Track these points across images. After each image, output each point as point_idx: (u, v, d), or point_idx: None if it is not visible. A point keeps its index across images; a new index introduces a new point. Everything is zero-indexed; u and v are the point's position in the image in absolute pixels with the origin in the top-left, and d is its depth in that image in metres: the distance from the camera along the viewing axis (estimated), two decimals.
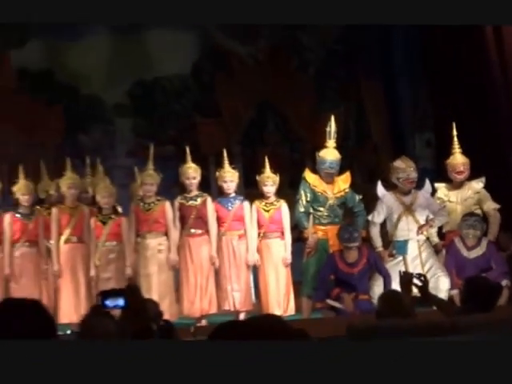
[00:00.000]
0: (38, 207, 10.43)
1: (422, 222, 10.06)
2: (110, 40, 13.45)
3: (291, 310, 10.12)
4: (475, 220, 9.87)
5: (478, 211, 10.11)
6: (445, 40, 12.66)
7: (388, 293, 7.54)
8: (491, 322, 5.84)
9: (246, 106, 13.65)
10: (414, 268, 9.89)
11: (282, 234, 10.33)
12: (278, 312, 9.57)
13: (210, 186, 10.99)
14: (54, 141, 13.18)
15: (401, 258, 10.01)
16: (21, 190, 10.29)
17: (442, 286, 9.53)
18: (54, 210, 10.22)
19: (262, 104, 13.69)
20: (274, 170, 10.45)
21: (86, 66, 13.45)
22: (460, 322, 5.73)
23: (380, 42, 13.88)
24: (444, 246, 10.16)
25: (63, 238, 10.18)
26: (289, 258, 10.31)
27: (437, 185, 10.43)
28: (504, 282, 9.50)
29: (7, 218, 10.19)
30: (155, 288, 9.85)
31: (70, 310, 9.71)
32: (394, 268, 9.76)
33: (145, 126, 13.35)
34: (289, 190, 10.66)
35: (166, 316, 6.67)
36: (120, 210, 10.49)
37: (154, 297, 8.60)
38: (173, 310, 9.68)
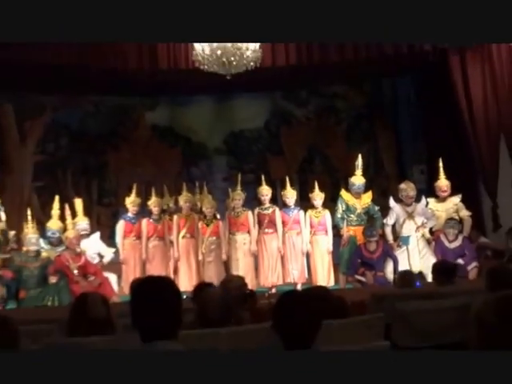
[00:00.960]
0: (163, 215, 10.50)
1: (419, 224, 9.97)
2: (211, 106, 13.53)
3: (331, 283, 10.05)
4: (454, 223, 9.77)
5: (456, 217, 9.99)
6: (431, 101, 12.61)
7: (402, 272, 7.69)
8: (464, 290, 5.79)
9: (301, 148, 13.64)
10: (414, 255, 9.89)
11: (326, 232, 10.31)
12: (322, 284, 9.55)
13: (277, 200, 10.94)
14: (174, 171, 13.27)
15: (405, 248, 9.91)
16: (153, 203, 10.37)
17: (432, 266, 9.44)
18: (176, 217, 10.31)
19: (310, 147, 13.66)
20: (320, 190, 10.45)
21: (195, 123, 13.56)
22: (442, 291, 5.69)
23: (389, 105, 13.80)
24: (433, 239, 10.00)
25: (181, 235, 10.24)
26: (330, 248, 10.32)
27: (429, 199, 10.29)
28: (473, 264, 9.53)
29: (144, 222, 10.30)
30: (241, 268, 9.92)
31: (185, 282, 9.75)
32: (401, 255, 9.83)
33: (234, 161, 13.38)
34: (330, 203, 10.58)
35: (249, 286, 6.66)
36: (218, 216, 10.51)
37: (241, 274, 8.67)
38: (253, 282, 9.69)
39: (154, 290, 2.95)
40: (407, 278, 6.87)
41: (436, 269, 6.49)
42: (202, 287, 5.71)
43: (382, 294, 6.10)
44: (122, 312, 3.81)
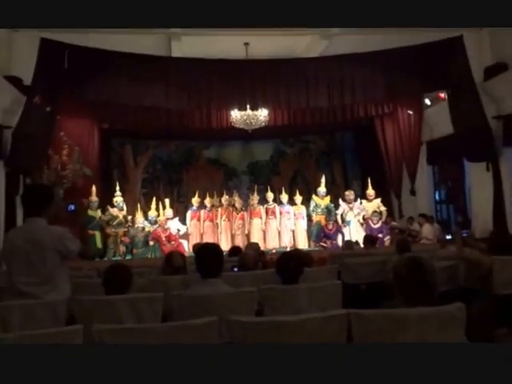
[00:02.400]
0: (213, 208, 10.41)
1: (356, 214, 9.91)
2: (240, 147, 13.30)
3: (306, 246, 9.94)
4: (377, 213, 9.71)
5: (378, 210, 9.89)
6: (363, 145, 12.49)
7: (346, 241, 7.59)
8: (382, 253, 5.71)
9: (290, 171, 13.41)
10: (353, 231, 9.79)
11: (303, 218, 10.23)
12: (301, 247, 9.49)
13: (276, 200, 10.85)
14: (219, 183, 13.03)
15: (348, 227, 9.84)
16: (207, 201, 10.32)
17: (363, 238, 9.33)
18: (219, 209, 10.26)
19: (295, 170, 13.45)
20: (300, 194, 10.42)
21: (231, 157, 13.39)
22: (370, 252, 5.61)
23: (339, 147, 13.66)
24: (365, 223, 9.90)
25: (222, 219, 10.19)
26: (306, 227, 10.23)
27: (362, 200, 10.22)
28: (388, 237, 9.44)
29: (202, 211, 10.23)
30: (256, 238, 9.81)
31: (224, 246, 9.52)
32: (346, 231, 9.70)
33: (253, 178, 13.11)
34: (306, 202, 10.52)
35: (261, 248, 6.59)
36: (243, 208, 10.45)
37: (256, 241, 8.49)
38: (263, 246, 9.51)
39: (207, 251, 2.94)
40: (349, 244, 6.83)
41: (365, 239, 6.45)
42: (234, 249, 5.71)
43: (336, 253, 6.03)
44: (190, 262, 3.79)
